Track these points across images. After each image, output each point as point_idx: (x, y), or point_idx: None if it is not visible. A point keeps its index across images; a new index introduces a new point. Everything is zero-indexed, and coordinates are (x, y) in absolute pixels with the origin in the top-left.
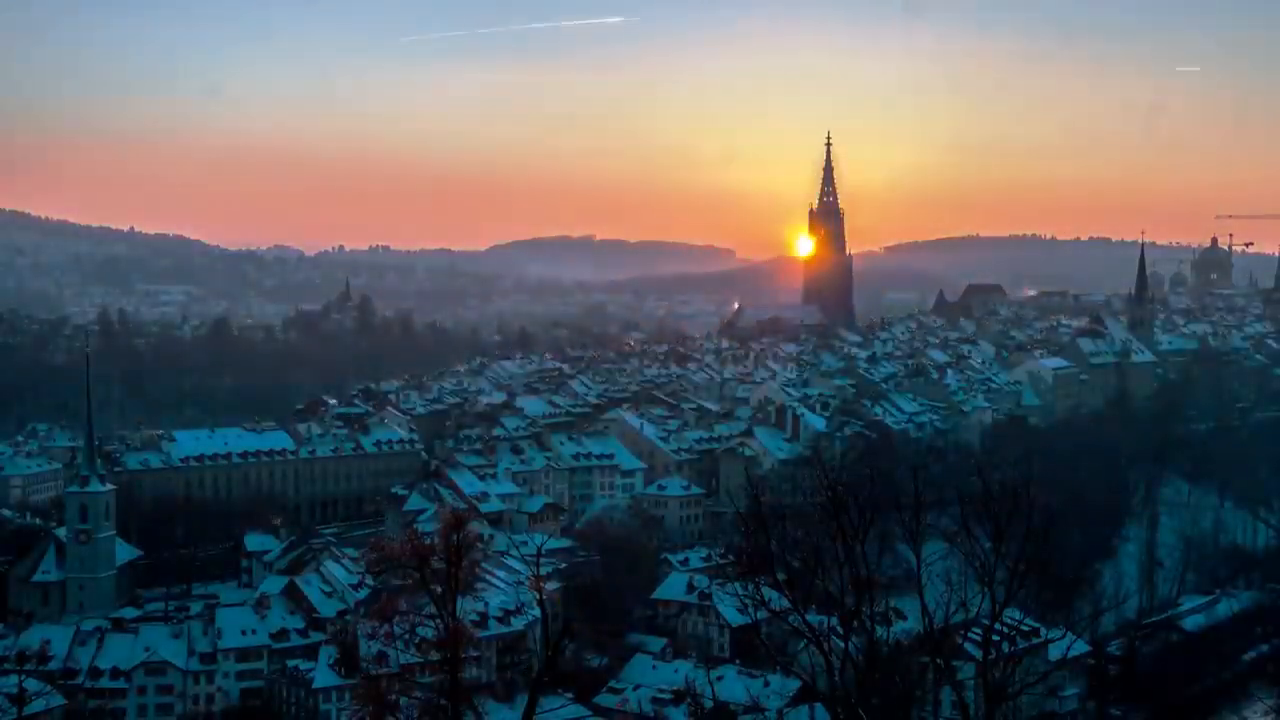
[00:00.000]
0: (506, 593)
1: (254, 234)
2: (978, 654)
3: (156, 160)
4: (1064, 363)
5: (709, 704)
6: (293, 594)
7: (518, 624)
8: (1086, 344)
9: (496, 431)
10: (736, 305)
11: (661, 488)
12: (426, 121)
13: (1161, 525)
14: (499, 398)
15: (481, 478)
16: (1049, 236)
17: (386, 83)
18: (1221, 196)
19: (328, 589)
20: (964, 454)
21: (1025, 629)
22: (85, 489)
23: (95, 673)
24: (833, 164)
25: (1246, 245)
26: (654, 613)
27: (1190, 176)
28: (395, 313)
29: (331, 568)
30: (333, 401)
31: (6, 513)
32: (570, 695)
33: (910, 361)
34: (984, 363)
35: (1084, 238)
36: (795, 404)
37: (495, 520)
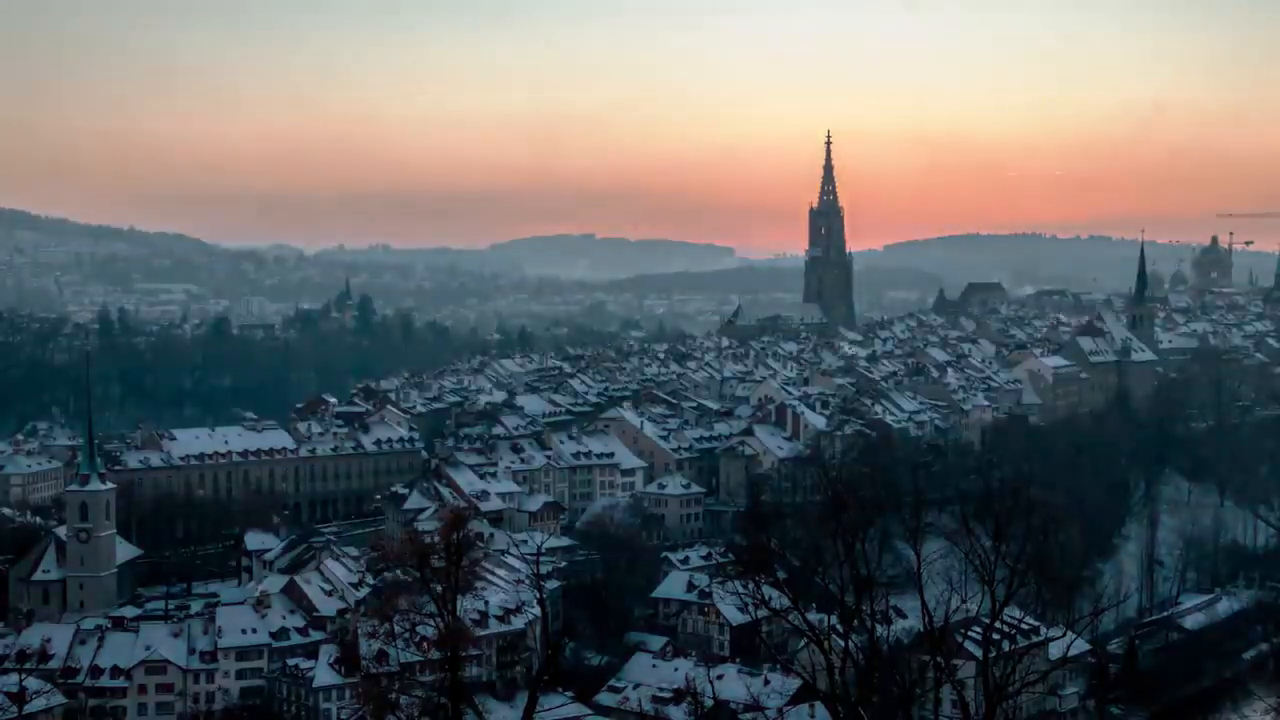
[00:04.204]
0: (507, 591)
1: (254, 233)
2: (978, 652)
3: (157, 160)
4: (1064, 361)
5: (709, 703)
6: (293, 593)
7: (518, 623)
8: (1086, 342)
9: (496, 430)
10: (737, 304)
11: (662, 486)
12: (426, 120)
13: (1161, 524)
14: (499, 396)
15: (482, 476)
16: (1049, 235)
17: (387, 81)
18: (1221, 195)
19: (328, 588)
20: (964, 453)
21: (1025, 628)
22: (85, 487)
23: (96, 671)
24: (833, 162)
25: (1247, 244)
26: (654, 611)
27: (1190, 175)
28: (395, 312)
29: (332, 566)
30: (333, 400)
31: (7, 511)
32: (570, 694)
33: (910, 360)
34: (984, 361)
35: (1084, 236)
36: (795, 402)
37: (495, 519)
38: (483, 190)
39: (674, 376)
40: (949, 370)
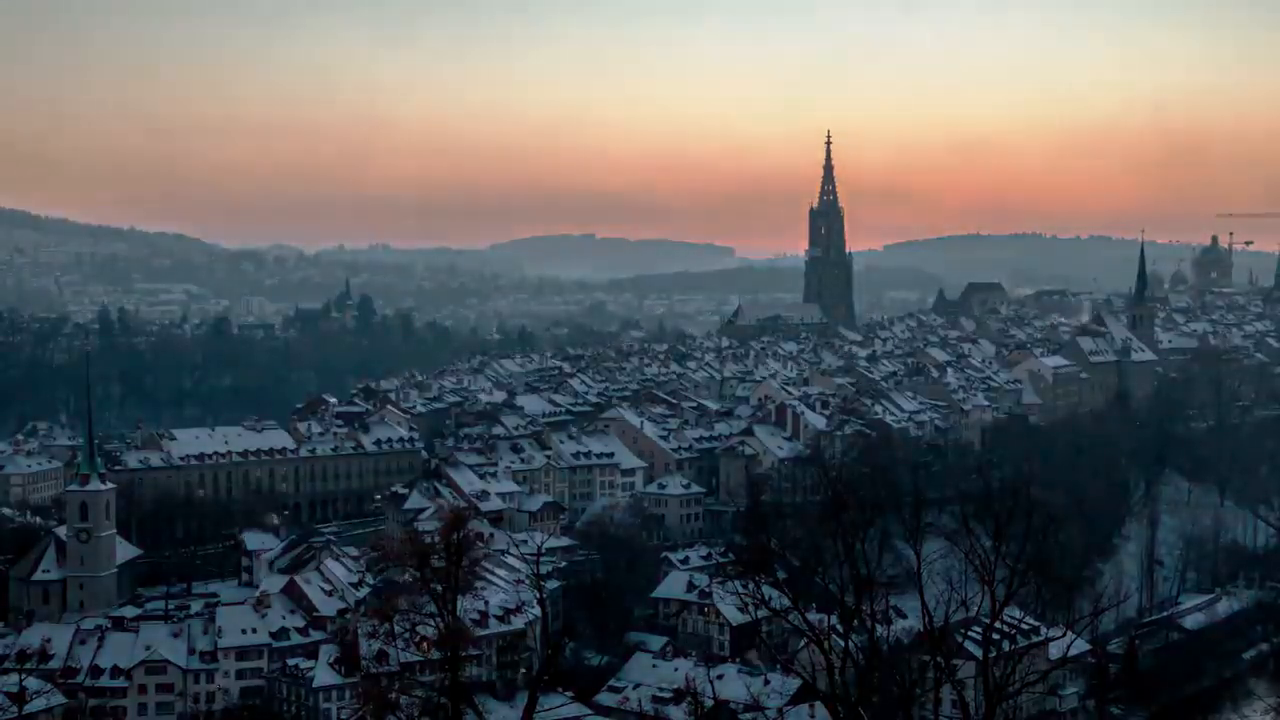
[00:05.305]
0: (507, 591)
1: (254, 233)
2: (978, 653)
3: (157, 160)
4: (1064, 361)
5: (709, 703)
6: (293, 593)
7: (518, 623)
8: (1086, 342)
9: (496, 430)
10: (736, 304)
11: (662, 486)
12: (426, 119)
13: (1161, 524)
14: (499, 396)
15: (482, 476)
16: (1049, 235)
17: (386, 81)
18: (1221, 195)
19: (328, 588)
20: (964, 453)
21: (1025, 628)
22: (85, 487)
23: (96, 671)
24: (833, 162)
25: (1247, 244)
26: (654, 611)
27: (1190, 175)
28: (395, 312)
29: (332, 566)
30: (333, 400)
31: (7, 511)
32: (570, 694)
33: (910, 360)
34: (984, 361)
35: (1084, 237)
36: (795, 402)
37: (495, 519)
38: (482, 190)
39: (674, 376)
40: (949, 370)
